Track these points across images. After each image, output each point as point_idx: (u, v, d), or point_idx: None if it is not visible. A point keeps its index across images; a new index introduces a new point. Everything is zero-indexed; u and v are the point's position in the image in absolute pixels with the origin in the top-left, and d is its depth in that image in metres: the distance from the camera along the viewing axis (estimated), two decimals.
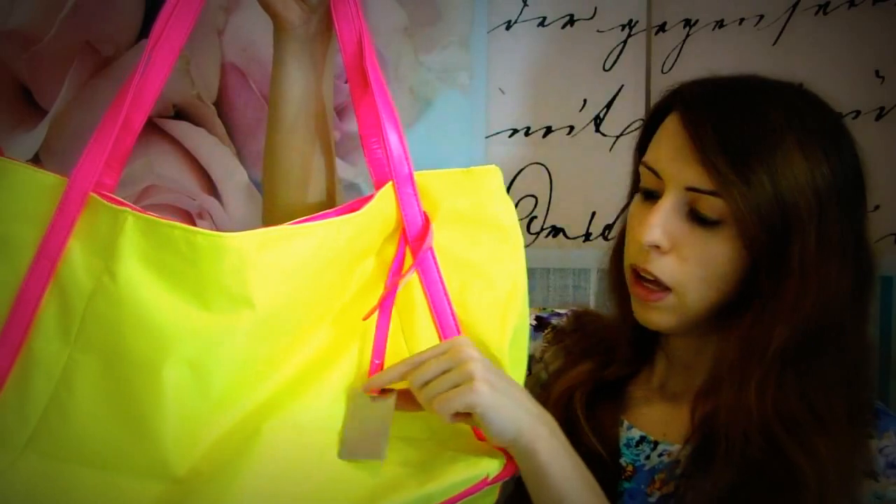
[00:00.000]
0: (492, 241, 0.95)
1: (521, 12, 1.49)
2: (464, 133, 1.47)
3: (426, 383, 0.90)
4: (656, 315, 1.03)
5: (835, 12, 1.45)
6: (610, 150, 1.50)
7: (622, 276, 1.07)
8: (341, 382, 0.91)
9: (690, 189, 0.99)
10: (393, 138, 0.91)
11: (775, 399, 0.98)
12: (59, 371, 0.84)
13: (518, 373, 0.97)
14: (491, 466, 0.91)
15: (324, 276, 0.89)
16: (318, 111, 0.99)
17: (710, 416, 1.01)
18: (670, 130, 1.02)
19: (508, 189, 1.52)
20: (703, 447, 1.01)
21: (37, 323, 0.84)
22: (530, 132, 1.51)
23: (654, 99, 1.47)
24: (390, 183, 0.92)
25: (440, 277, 0.93)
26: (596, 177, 1.50)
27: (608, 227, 1.50)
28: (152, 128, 1.39)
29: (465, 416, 0.90)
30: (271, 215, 1.01)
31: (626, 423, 1.09)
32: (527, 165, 1.50)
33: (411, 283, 0.93)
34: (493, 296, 0.95)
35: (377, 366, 0.92)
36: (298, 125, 0.99)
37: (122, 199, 0.85)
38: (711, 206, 0.98)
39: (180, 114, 1.40)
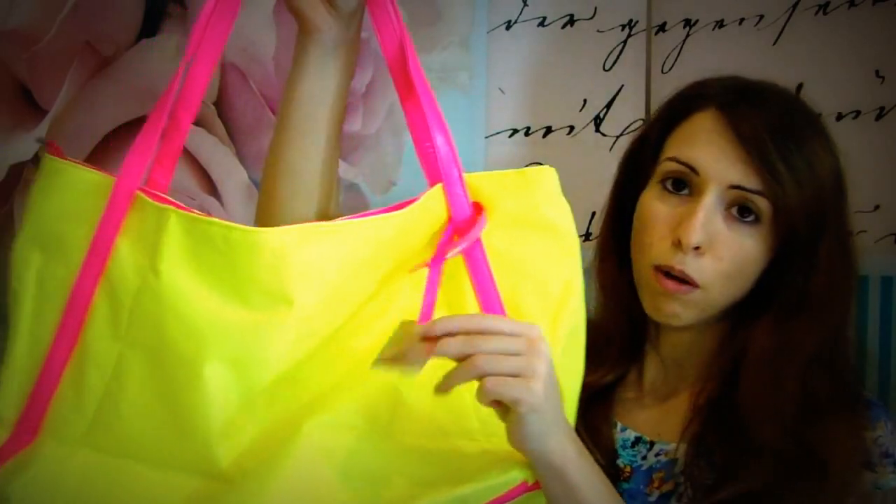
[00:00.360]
0: (545, 243, 0.93)
1: (521, 12, 1.49)
2: (464, 133, 1.47)
3: (486, 353, 0.83)
4: (679, 307, 1.03)
5: (835, 12, 1.45)
6: (610, 150, 1.50)
7: (622, 273, 1.08)
8: (384, 383, 0.89)
9: (735, 188, 1.00)
10: (440, 141, 0.89)
11: (803, 390, 1.01)
12: (112, 366, 0.86)
13: (568, 382, 0.93)
14: (529, 471, 0.88)
15: (368, 275, 0.89)
16: (331, 117, 0.97)
17: (712, 406, 1.04)
18: (708, 128, 1.02)
19: None
20: (703, 439, 1.03)
21: (90, 319, 0.86)
22: (530, 132, 1.51)
23: (655, 99, 1.48)
24: (439, 185, 0.90)
25: (489, 270, 0.91)
26: (596, 177, 1.49)
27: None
28: None
29: (501, 406, 0.85)
30: (267, 216, 0.99)
31: (619, 424, 1.10)
32: (527, 165, 1.50)
33: (460, 278, 0.91)
34: (544, 299, 0.92)
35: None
36: (308, 128, 0.97)
37: (170, 198, 0.86)
38: (754, 204, 1.00)
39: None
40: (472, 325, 0.84)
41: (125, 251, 0.86)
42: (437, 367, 0.85)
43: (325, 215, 0.98)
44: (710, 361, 1.08)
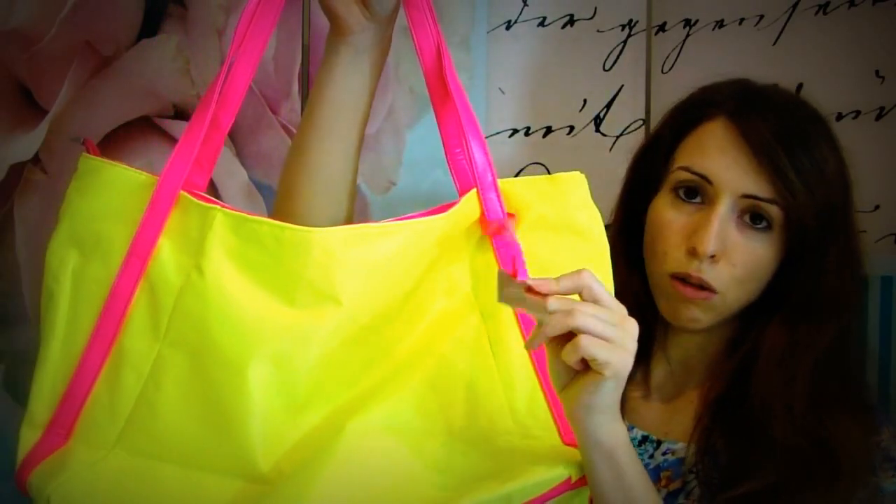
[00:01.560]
0: (577, 247, 0.94)
1: (521, 12, 1.49)
2: None
3: (588, 314, 0.82)
4: (698, 311, 1.05)
5: (835, 12, 1.45)
6: (610, 150, 1.49)
7: (632, 275, 1.09)
8: (425, 384, 0.89)
9: (748, 197, 1.02)
10: (475, 147, 0.90)
11: (814, 388, 1.02)
12: (149, 368, 0.85)
13: None
14: (572, 468, 0.88)
15: (411, 277, 0.90)
16: (357, 119, 0.97)
17: (721, 405, 1.06)
18: (719, 138, 1.04)
19: None
20: (712, 437, 1.04)
21: (128, 320, 0.86)
22: (530, 132, 1.51)
23: (655, 99, 1.49)
24: (474, 190, 0.90)
25: (524, 270, 0.90)
26: (596, 177, 1.49)
27: (608, 227, 1.50)
28: (152, 128, 1.39)
29: (579, 370, 0.84)
30: (286, 216, 0.97)
31: (626, 423, 1.09)
32: (527, 165, 1.50)
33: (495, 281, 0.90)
34: None
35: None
36: (334, 129, 0.96)
37: (213, 198, 0.86)
38: (766, 212, 1.02)
39: (180, 114, 1.40)
40: (578, 283, 0.83)
41: (167, 251, 0.85)
42: (468, 370, 0.89)
43: (348, 216, 0.99)
44: (718, 362, 1.10)
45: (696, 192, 1.05)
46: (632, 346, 0.84)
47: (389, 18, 0.92)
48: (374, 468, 0.85)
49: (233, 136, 1.42)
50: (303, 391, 0.86)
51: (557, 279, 0.83)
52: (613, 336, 0.82)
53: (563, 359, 0.83)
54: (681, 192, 1.05)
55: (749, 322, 1.08)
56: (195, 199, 0.86)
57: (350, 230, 0.86)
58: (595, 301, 0.83)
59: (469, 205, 0.90)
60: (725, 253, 1.02)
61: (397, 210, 1.52)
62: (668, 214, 1.06)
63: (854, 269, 1.07)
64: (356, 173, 1.00)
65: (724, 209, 1.02)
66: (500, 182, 0.92)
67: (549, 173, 1.50)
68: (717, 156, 1.03)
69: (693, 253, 1.02)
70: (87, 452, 0.85)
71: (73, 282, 0.87)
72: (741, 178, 1.02)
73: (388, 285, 0.88)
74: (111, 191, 0.87)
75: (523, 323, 0.91)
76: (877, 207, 1.43)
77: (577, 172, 0.95)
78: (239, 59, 0.89)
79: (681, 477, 1.05)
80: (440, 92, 0.91)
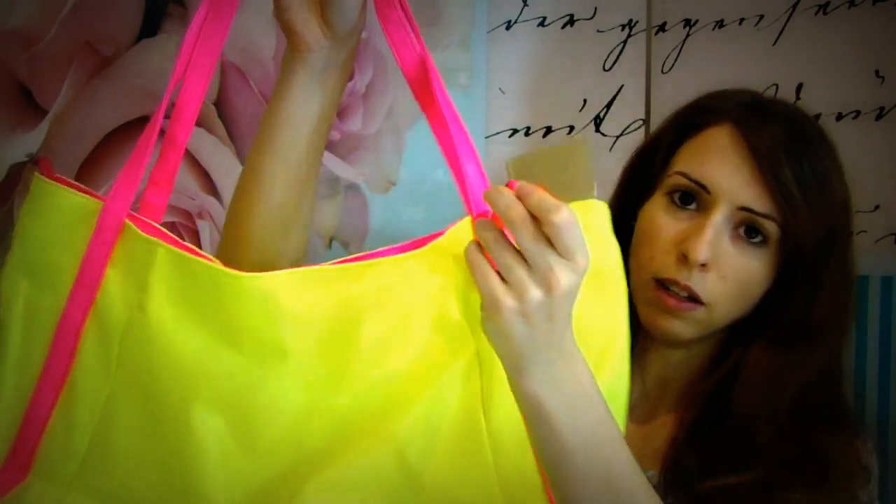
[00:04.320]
0: (590, 290, 0.78)
1: (521, 12, 1.49)
2: None
3: (492, 236, 0.72)
4: (679, 326, 1.00)
5: (835, 12, 1.45)
6: (610, 150, 1.49)
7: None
8: (390, 440, 0.79)
9: (745, 209, 0.98)
10: (471, 170, 0.78)
11: (800, 406, 0.99)
12: (101, 404, 0.80)
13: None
14: None
15: (375, 320, 0.79)
16: (311, 144, 0.88)
17: (695, 432, 1.00)
18: (722, 145, 1.00)
19: None
20: (684, 465, 0.98)
21: (79, 354, 0.80)
22: (530, 132, 1.51)
23: (655, 99, 1.49)
24: (468, 218, 0.78)
25: None
26: (596, 177, 1.49)
27: None
28: None
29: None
30: (233, 244, 0.91)
31: None
32: None
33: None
34: (587, 351, 0.78)
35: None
36: (286, 154, 0.87)
37: (160, 228, 0.80)
38: (763, 227, 0.98)
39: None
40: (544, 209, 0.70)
41: (114, 283, 0.79)
42: (450, 428, 0.78)
43: (298, 247, 0.91)
44: (696, 382, 1.05)
45: (692, 198, 1.00)
46: (539, 303, 0.71)
47: (350, 35, 0.84)
48: None
49: (233, 136, 1.42)
50: (257, 440, 0.78)
51: (538, 191, 0.71)
52: (512, 280, 0.71)
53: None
54: (676, 198, 1.01)
55: (732, 341, 1.04)
56: (138, 230, 0.79)
57: (294, 274, 0.77)
58: (553, 242, 0.70)
59: (462, 232, 0.78)
60: (717, 263, 0.98)
61: (397, 210, 1.52)
62: (660, 219, 1.01)
63: (848, 297, 1.03)
64: (312, 202, 0.92)
65: (719, 218, 0.98)
66: None
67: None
68: (718, 164, 0.99)
69: (683, 260, 0.98)
70: (45, 489, 0.80)
71: (24, 311, 0.81)
72: (741, 188, 0.97)
73: (344, 332, 0.78)
74: (60, 217, 0.80)
75: None
76: (877, 207, 1.43)
77: (598, 201, 0.83)
78: (189, 76, 0.82)
79: None
80: (431, 109, 0.80)
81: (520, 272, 0.71)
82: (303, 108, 0.86)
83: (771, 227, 0.98)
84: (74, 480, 0.80)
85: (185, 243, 0.79)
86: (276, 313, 0.76)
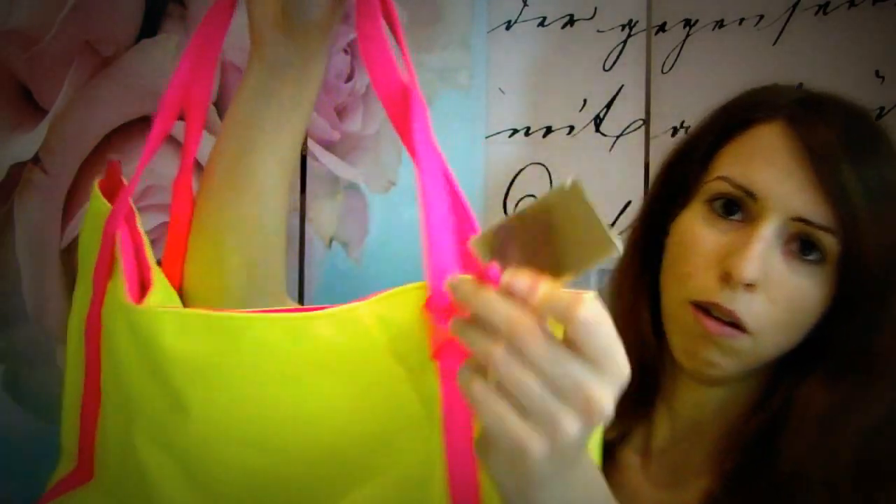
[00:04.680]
0: None
1: (521, 12, 1.49)
2: (464, 133, 1.47)
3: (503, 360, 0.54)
4: (719, 355, 0.84)
5: (835, 12, 1.45)
6: (610, 150, 1.50)
7: (640, 304, 0.91)
8: None
9: (799, 220, 0.83)
10: (439, 245, 0.60)
11: (862, 457, 0.83)
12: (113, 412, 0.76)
13: None
14: None
15: (308, 380, 0.64)
16: (269, 160, 0.77)
17: (738, 479, 0.85)
18: (773, 145, 0.85)
19: (508, 190, 1.52)
20: None
21: (101, 360, 0.77)
22: (530, 132, 1.51)
23: (655, 99, 1.49)
24: (417, 287, 0.63)
25: None
26: (596, 177, 1.50)
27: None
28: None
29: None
30: (199, 264, 0.80)
31: None
32: (527, 165, 1.50)
33: None
34: None
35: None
36: (237, 172, 0.79)
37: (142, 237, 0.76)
38: (820, 241, 0.83)
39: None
40: (565, 312, 0.54)
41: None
42: None
43: (265, 264, 0.80)
44: (737, 425, 0.89)
45: (737, 207, 0.85)
46: (571, 426, 0.54)
47: (308, 33, 0.74)
48: None
49: None
50: (207, 491, 0.68)
51: (540, 283, 0.54)
52: (539, 408, 0.54)
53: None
54: (717, 206, 0.86)
55: (779, 376, 0.88)
56: (117, 245, 0.74)
57: (175, 314, 0.65)
58: (580, 349, 0.54)
59: (406, 311, 0.62)
60: (766, 284, 0.82)
61: (397, 210, 1.52)
62: (698, 230, 0.86)
63: None
64: (281, 218, 0.80)
65: (769, 231, 0.82)
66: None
67: (549, 173, 1.52)
68: (767, 166, 0.84)
69: (726, 279, 0.82)
70: (96, 497, 0.76)
71: (78, 313, 0.78)
72: (794, 195, 0.82)
73: (273, 395, 0.64)
74: (95, 221, 0.78)
75: None
76: None
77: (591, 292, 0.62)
78: (189, 113, 0.78)
79: None
80: (409, 146, 0.66)
81: (549, 400, 0.54)
82: (258, 116, 0.77)
83: (829, 242, 0.82)
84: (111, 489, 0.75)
85: (144, 248, 0.75)
86: (165, 361, 0.65)
